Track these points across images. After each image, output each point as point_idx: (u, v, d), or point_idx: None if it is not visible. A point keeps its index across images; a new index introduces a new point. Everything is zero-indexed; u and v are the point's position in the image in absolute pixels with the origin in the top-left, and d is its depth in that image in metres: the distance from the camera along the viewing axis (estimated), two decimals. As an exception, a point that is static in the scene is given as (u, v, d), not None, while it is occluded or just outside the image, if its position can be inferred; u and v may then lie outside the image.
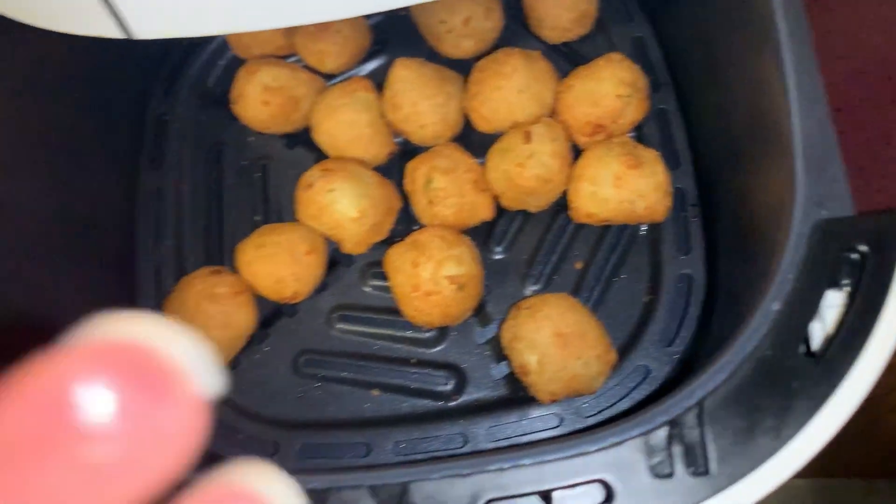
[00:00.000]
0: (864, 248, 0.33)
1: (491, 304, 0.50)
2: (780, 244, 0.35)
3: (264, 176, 0.55)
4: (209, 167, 0.55)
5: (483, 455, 0.32)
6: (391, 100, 0.50)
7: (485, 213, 0.49)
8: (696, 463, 0.30)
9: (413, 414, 0.48)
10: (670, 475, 0.30)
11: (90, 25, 0.35)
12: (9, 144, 0.43)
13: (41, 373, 0.09)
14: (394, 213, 0.51)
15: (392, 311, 0.49)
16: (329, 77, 0.55)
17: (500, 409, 0.47)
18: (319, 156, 0.53)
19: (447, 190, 0.48)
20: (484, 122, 0.51)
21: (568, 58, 0.55)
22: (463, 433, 0.46)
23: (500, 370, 0.48)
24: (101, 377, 0.09)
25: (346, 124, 0.51)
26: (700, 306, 0.48)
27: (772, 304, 0.33)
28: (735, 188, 0.46)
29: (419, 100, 0.50)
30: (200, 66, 0.58)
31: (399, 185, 0.52)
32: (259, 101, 0.51)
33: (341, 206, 0.48)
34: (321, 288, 0.51)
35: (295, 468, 0.46)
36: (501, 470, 0.31)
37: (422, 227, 0.50)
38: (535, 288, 0.50)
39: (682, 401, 0.31)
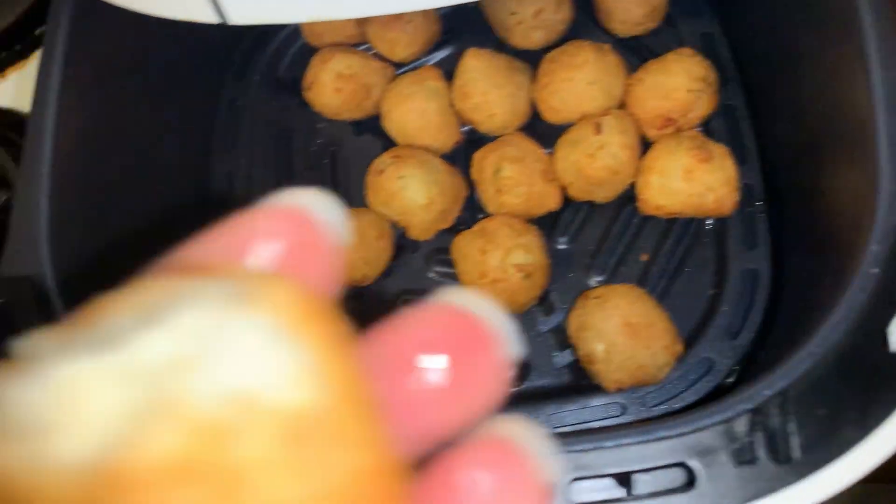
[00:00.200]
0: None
1: (555, 294, 0.50)
2: (863, 240, 0.35)
3: (333, 162, 0.56)
4: (279, 152, 0.56)
5: (564, 437, 0.33)
6: (461, 88, 0.51)
7: (552, 202, 0.50)
8: (779, 450, 0.31)
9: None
10: (753, 461, 0.31)
11: (189, 10, 0.36)
12: (94, 131, 0.45)
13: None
14: (460, 202, 0.52)
15: (457, 298, 0.50)
16: (399, 66, 0.56)
17: (563, 397, 0.48)
18: (387, 143, 0.54)
19: (516, 179, 0.49)
20: (552, 112, 0.51)
21: (635, 52, 0.55)
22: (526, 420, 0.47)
23: (562, 358, 0.49)
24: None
25: (416, 112, 0.51)
26: (765, 301, 0.48)
27: (855, 298, 0.33)
28: (806, 184, 0.46)
29: (489, 89, 0.50)
30: (271, 54, 0.59)
31: (464, 173, 0.52)
32: (332, 87, 0.52)
33: (411, 192, 0.49)
34: (386, 273, 0.52)
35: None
36: (584, 451, 0.32)
37: (487, 215, 0.50)
38: (599, 278, 0.50)
39: (764, 389, 0.31)
